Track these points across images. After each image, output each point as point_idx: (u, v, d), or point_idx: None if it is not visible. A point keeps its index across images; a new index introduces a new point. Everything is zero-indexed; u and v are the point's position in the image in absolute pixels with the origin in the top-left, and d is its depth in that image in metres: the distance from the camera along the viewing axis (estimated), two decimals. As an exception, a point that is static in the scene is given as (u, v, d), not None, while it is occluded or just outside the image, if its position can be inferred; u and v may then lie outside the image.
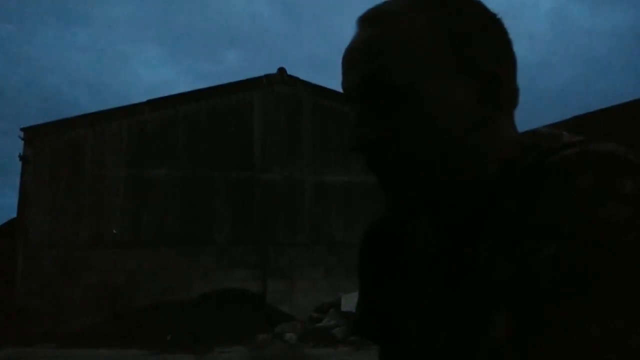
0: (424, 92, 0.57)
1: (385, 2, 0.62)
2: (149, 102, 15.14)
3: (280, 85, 15.77)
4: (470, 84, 0.59)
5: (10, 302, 13.17)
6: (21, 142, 14.35)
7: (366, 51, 0.59)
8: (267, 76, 15.83)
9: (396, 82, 0.57)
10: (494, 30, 0.63)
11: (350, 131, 0.59)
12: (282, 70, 15.98)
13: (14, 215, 14.37)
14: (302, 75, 16.30)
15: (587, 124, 11.06)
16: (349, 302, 11.57)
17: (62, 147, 14.45)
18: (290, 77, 16.00)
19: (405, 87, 0.57)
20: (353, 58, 0.61)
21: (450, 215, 0.62)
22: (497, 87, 0.60)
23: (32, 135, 14.37)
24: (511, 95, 0.63)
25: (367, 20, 0.61)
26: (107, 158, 14.64)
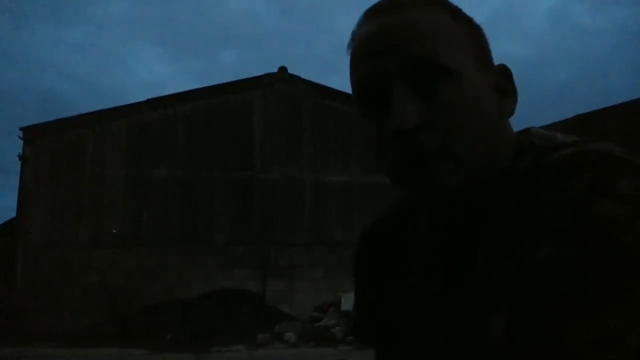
0: (467, 76, 0.58)
1: None
2: (148, 101, 15.13)
3: (280, 85, 15.75)
4: (488, 76, 0.61)
5: (10, 302, 13.17)
6: (21, 142, 14.36)
7: (411, 33, 0.58)
8: (267, 75, 15.80)
9: (447, 64, 0.57)
10: (485, 36, 0.65)
11: (391, 118, 0.56)
12: (282, 69, 15.95)
13: (14, 215, 14.36)
14: (300, 74, 16.22)
15: (587, 124, 11.05)
16: (349, 301, 11.58)
17: (61, 147, 14.44)
18: (291, 76, 15.98)
19: (453, 69, 0.57)
20: (391, 41, 0.58)
21: (450, 215, 0.62)
22: (509, 81, 0.63)
23: (32, 135, 14.37)
24: None
25: (391, 8, 0.60)
26: (107, 158, 14.63)
